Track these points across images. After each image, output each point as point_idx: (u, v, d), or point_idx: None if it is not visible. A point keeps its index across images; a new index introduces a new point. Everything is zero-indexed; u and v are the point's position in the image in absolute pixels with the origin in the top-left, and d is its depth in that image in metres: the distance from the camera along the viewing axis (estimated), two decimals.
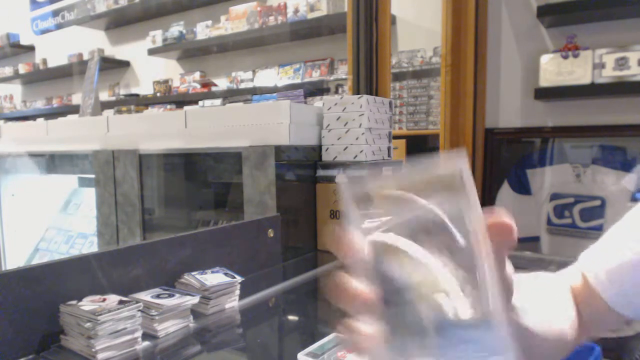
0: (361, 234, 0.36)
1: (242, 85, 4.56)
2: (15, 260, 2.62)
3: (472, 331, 0.32)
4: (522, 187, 2.37)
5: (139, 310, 0.86)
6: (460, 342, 0.32)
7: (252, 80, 4.53)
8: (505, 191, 2.41)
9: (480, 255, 0.34)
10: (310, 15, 3.94)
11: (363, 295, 0.36)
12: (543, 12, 2.22)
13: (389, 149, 1.75)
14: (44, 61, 6.50)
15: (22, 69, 6.73)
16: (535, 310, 0.52)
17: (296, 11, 4.00)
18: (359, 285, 0.36)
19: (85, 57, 5.96)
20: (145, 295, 0.93)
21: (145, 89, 5.60)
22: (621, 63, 2.07)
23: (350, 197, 0.37)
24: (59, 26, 6.33)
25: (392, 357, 0.34)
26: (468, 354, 0.32)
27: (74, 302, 0.85)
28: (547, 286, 0.65)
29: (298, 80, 4.15)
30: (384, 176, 0.38)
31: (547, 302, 0.60)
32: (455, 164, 0.36)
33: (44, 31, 6.63)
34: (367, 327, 0.35)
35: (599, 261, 0.67)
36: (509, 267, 0.40)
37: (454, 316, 0.33)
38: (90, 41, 6.03)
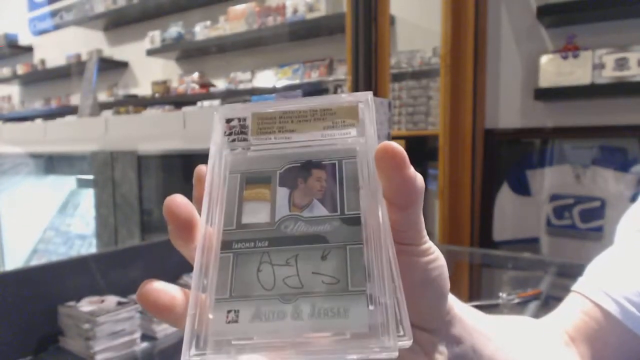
0: (223, 166, 0.32)
1: (241, 86, 4.56)
2: (13, 261, 2.61)
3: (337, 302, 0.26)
4: (522, 188, 2.36)
5: (138, 312, 0.86)
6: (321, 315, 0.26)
7: (250, 81, 4.52)
8: (505, 192, 2.40)
9: (369, 207, 0.29)
10: (309, 16, 3.93)
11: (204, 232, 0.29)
12: (543, 12, 2.22)
13: None
14: (42, 62, 6.49)
15: (20, 69, 6.72)
16: None
17: (295, 11, 4.00)
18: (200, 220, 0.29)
19: (84, 57, 5.95)
20: None
21: (143, 89, 5.59)
22: (621, 63, 2.07)
23: (220, 124, 0.34)
24: (57, 27, 6.32)
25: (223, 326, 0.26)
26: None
27: (72, 303, 0.84)
28: (534, 336, 0.52)
29: (297, 81, 4.14)
30: (268, 103, 0.34)
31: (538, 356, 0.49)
32: (358, 96, 0.32)
33: (42, 32, 6.62)
34: (194, 284, 0.27)
35: (620, 290, 0.54)
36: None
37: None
38: (88, 42, 6.03)
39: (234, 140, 0.33)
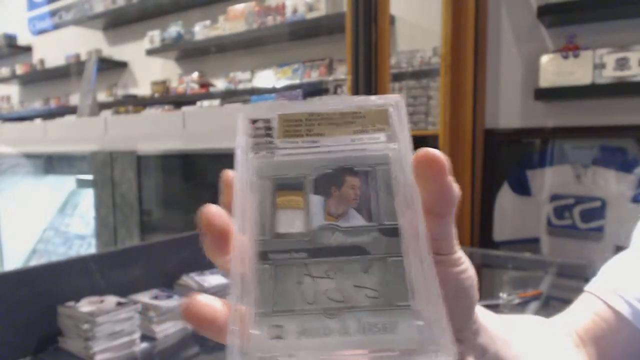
0: (251, 170, 0.30)
1: (241, 86, 4.55)
2: (13, 262, 2.61)
3: (383, 317, 0.26)
4: (522, 188, 2.36)
5: (137, 312, 0.86)
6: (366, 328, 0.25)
7: (250, 80, 4.52)
8: (505, 192, 2.40)
9: (407, 213, 0.28)
10: (309, 15, 3.93)
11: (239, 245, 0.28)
12: (543, 12, 2.22)
13: None
14: (42, 62, 6.49)
15: (20, 69, 6.71)
16: None
17: (295, 11, 4.00)
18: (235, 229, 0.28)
19: (83, 57, 5.94)
20: (144, 297, 0.93)
21: (143, 89, 5.58)
22: (622, 63, 2.06)
23: (244, 125, 0.32)
24: (56, 26, 6.31)
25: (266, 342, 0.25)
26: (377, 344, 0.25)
27: (72, 303, 0.84)
28: (547, 338, 0.52)
29: (297, 81, 4.14)
30: (294, 104, 0.32)
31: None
32: (389, 99, 0.32)
33: (42, 31, 6.62)
34: (233, 296, 0.26)
35: (633, 291, 0.54)
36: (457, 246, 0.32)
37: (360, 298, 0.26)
38: (88, 41, 6.02)
39: (259, 143, 0.32)
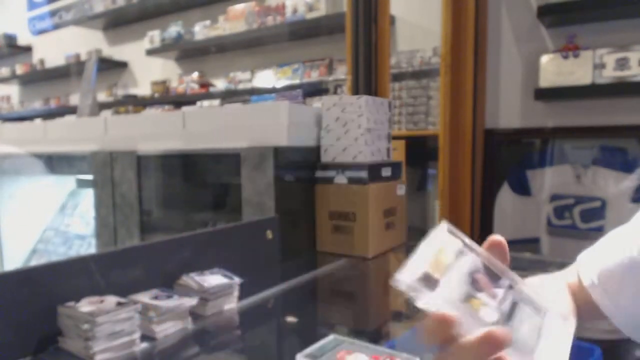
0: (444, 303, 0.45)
1: (241, 86, 4.55)
2: (13, 262, 2.61)
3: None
4: (522, 188, 2.36)
5: (137, 312, 0.86)
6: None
7: (250, 80, 4.52)
8: (505, 192, 2.40)
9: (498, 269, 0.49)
10: (309, 15, 3.93)
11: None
12: (543, 12, 2.22)
13: (388, 149, 1.75)
14: (42, 62, 6.49)
15: (20, 69, 6.71)
16: None
17: (295, 11, 4.00)
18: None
19: (83, 57, 5.95)
20: (144, 297, 0.93)
21: (143, 89, 5.59)
22: (622, 63, 2.07)
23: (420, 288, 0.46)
24: (56, 26, 6.31)
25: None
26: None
27: (71, 303, 0.84)
28: (549, 285, 0.69)
29: (297, 81, 4.14)
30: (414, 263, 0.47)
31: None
32: (442, 228, 0.49)
33: (42, 31, 6.62)
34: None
35: (595, 264, 0.69)
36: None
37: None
38: (88, 41, 6.02)
39: None
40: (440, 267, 0.47)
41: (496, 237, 0.50)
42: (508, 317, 0.46)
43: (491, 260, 0.48)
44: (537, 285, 0.65)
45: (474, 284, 0.47)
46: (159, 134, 1.87)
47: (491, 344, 0.41)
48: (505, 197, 2.40)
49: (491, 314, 0.45)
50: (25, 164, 2.44)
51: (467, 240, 0.48)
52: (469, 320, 0.44)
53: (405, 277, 0.45)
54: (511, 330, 0.44)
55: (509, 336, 0.41)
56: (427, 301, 0.45)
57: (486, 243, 0.50)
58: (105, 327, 0.81)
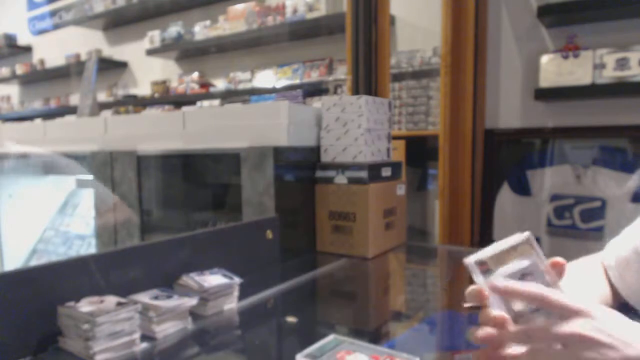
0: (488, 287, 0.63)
1: (241, 86, 4.55)
2: (13, 262, 2.61)
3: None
4: (522, 188, 2.36)
5: (137, 312, 0.86)
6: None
7: (250, 80, 4.52)
8: (505, 192, 2.40)
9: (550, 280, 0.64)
10: (309, 16, 3.93)
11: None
12: (543, 12, 2.22)
13: (388, 149, 1.75)
14: (42, 62, 6.48)
15: (20, 69, 6.71)
16: (579, 290, 0.80)
17: (295, 11, 4.00)
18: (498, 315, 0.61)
19: (83, 57, 5.95)
20: (144, 297, 0.93)
21: (143, 89, 5.58)
22: (622, 63, 2.06)
23: (476, 270, 0.64)
24: (56, 26, 6.31)
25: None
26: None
27: (72, 303, 0.84)
28: (587, 270, 0.90)
29: (297, 81, 4.14)
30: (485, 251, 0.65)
31: (586, 283, 0.85)
32: (522, 235, 0.64)
33: (42, 31, 6.62)
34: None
35: (613, 249, 0.90)
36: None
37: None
38: (88, 42, 6.02)
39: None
40: (499, 262, 0.62)
41: (559, 259, 0.64)
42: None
43: (549, 270, 0.63)
44: (576, 269, 0.86)
45: (522, 278, 0.62)
46: (159, 134, 1.87)
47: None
48: (505, 197, 2.40)
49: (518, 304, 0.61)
50: (25, 164, 2.44)
51: (539, 250, 0.63)
52: (500, 305, 0.61)
53: (470, 259, 0.63)
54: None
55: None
56: (478, 282, 0.62)
57: (549, 261, 0.64)
58: (105, 327, 0.81)
